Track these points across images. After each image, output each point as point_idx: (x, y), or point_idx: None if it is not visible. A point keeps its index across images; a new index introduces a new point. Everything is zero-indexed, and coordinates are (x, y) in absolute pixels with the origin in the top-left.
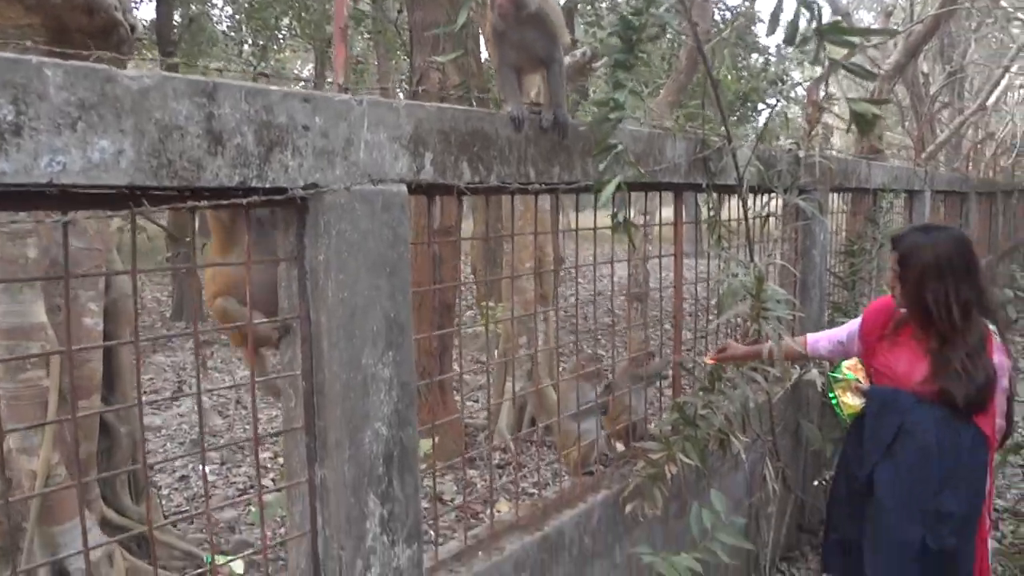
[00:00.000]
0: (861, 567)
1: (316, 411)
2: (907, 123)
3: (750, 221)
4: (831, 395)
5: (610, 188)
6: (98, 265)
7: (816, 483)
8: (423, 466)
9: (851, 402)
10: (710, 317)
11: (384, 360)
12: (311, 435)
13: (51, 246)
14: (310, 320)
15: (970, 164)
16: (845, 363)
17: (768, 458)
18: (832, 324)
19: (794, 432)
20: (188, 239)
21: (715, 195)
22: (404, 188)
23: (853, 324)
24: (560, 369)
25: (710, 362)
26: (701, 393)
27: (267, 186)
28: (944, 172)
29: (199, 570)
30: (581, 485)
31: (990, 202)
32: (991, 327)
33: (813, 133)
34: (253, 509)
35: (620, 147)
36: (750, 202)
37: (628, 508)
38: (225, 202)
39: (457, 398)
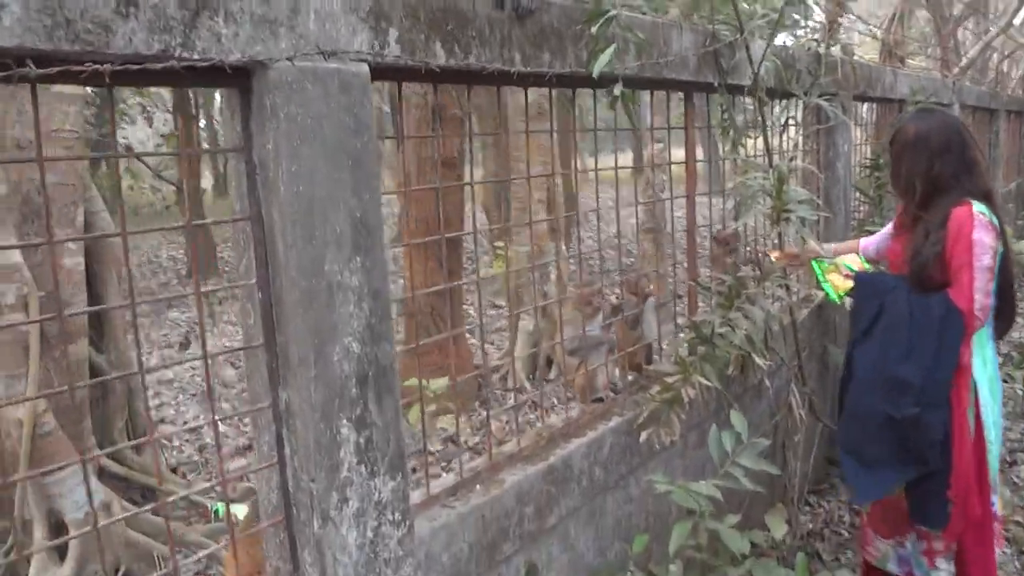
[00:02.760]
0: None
1: (276, 325)
2: (930, 50)
3: (768, 126)
4: (818, 277)
5: (604, 57)
6: (73, 201)
7: None
8: (432, 407)
9: (839, 283)
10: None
11: (352, 266)
12: (272, 353)
13: (22, 182)
14: (262, 220)
15: (998, 83)
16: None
17: (794, 384)
18: None
19: (820, 356)
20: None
21: (729, 96)
22: (365, 67)
23: (888, 225)
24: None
25: (775, 259)
26: (719, 310)
27: (196, 57)
28: (973, 87)
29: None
30: (590, 412)
31: (1020, 122)
32: (977, 205)
33: (834, 27)
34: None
35: (614, 11)
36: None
37: (643, 436)
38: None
39: (470, 340)
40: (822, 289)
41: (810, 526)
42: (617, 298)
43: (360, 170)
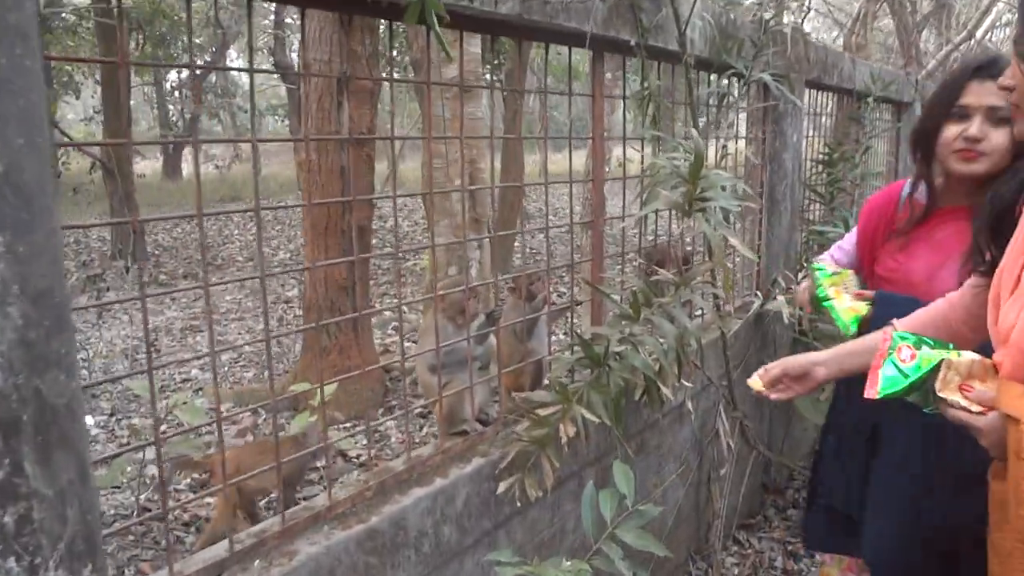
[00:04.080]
0: (858, 543)
1: None
2: (892, 60)
3: (695, 97)
4: (820, 293)
5: None
6: None
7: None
8: (312, 417)
9: (851, 304)
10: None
11: None
12: None
13: None
14: None
15: None
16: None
17: (722, 407)
18: (807, 245)
19: None
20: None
21: (649, 61)
22: None
23: (854, 230)
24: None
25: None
26: (623, 323)
27: None
28: (935, 87)
29: None
30: (444, 452)
31: None
32: None
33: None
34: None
35: None
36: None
37: (501, 488)
38: None
39: (388, 340)
40: (824, 309)
41: (736, 571)
42: (495, 302)
43: (10, 100)
